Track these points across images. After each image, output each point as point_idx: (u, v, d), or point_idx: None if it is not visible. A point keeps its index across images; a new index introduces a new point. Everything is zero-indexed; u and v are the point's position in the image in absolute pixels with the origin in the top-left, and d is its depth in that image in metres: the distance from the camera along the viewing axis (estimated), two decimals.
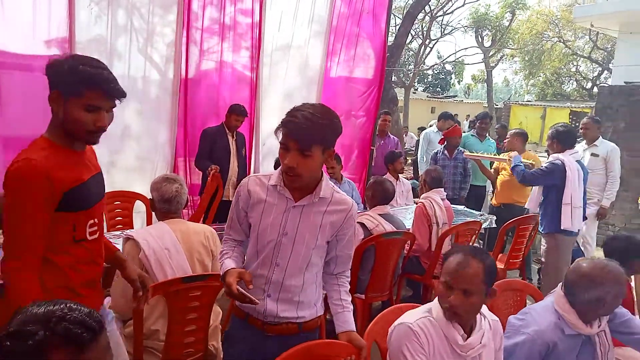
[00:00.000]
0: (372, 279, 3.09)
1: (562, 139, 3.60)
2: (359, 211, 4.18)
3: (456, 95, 30.22)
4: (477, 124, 5.58)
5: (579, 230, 3.73)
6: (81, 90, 1.41)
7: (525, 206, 4.10)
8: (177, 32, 4.23)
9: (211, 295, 2.09)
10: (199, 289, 2.04)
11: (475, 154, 4.93)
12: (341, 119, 5.50)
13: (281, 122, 1.50)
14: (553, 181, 3.51)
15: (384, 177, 4.53)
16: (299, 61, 5.30)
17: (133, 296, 1.73)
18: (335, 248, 1.69)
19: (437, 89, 30.93)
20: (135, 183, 4.02)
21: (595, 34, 19.29)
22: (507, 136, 4.57)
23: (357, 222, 3.12)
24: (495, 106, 23.69)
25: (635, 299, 2.52)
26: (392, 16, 21.07)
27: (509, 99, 28.59)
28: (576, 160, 3.57)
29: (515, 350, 1.79)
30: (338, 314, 1.73)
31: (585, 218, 3.80)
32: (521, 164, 3.76)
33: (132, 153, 4.14)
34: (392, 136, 6.12)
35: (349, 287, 1.77)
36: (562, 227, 3.47)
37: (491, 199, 5.21)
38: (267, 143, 5.23)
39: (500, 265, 3.89)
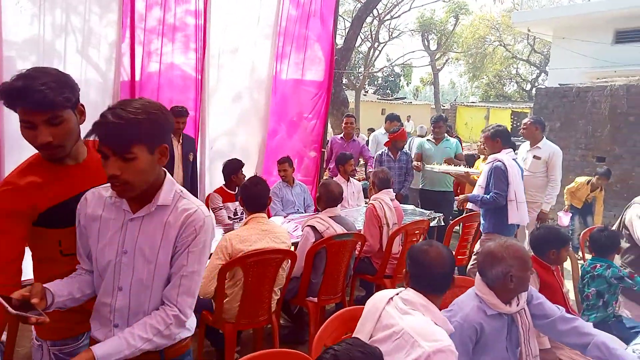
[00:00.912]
0: (325, 281, 3.09)
1: (504, 138, 3.69)
2: (312, 214, 4.19)
3: (405, 97, 30.94)
4: (432, 128, 5.49)
5: (518, 226, 3.85)
6: (15, 108, 1.39)
7: (467, 206, 4.14)
8: (117, 33, 4.07)
9: None
10: None
11: (444, 169, 4.88)
12: (293, 121, 5.44)
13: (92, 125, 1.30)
14: (506, 183, 3.54)
15: (332, 179, 4.56)
16: (247, 63, 5.24)
17: None
18: (171, 262, 1.40)
19: (387, 91, 31.54)
20: None
21: (533, 38, 20.37)
22: (480, 138, 4.60)
23: (308, 225, 3.13)
24: (442, 107, 24.50)
25: (562, 286, 2.65)
26: (341, 20, 20.96)
27: (455, 100, 29.65)
28: (512, 158, 3.66)
29: None
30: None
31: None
32: (478, 195, 3.69)
33: None
34: (357, 139, 6.03)
35: (162, 324, 1.37)
36: (509, 222, 3.54)
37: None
38: (215, 146, 5.13)
39: None
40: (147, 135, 1.28)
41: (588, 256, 3.11)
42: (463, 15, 23.92)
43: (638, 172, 6.20)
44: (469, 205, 4.01)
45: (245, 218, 2.79)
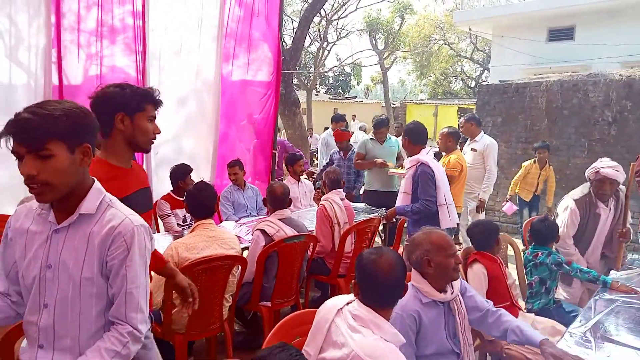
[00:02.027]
0: (277, 285, 3.06)
1: (414, 137, 3.46)
2: (264, 217, 4.15)
3: (356, 96, 31.33)
4: (373, 131, 5.29)
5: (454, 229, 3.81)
6: (144, 105, 1.70)
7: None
8: (47, 35, 3.86)
9: None
10: None
11: (396, 171, 4.82)
12: (243, 123, 5.35)
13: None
14: (434, 187, 3.34)
15: (278, 180, 4.53)
16: (192, 66, 5.12)
17: (182, 303, 1.90)
18: (110, 282, 1.35)
19: (339, 91, 31.83)
20: (6, 203, 3.60)
21: (475, 37, 21.15)
22: (440, 137, 4.51)
23: (258, 229, 3.09)
24: (392, 105, 24.99)
25: (507, 278, 2.76)
26: (290, 20, 20.96)
27: (404, 98, 30.32)
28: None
29: None
30: None
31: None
32: (406, 206, 3.43)
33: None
34: (279, 139, 5.98)
35: (119, 344, 1.32)
36: (442, 227, 3.23)
37: None
38: (161, 151, 4.97)
39: None
40: (64, 131, 1.22)
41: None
42: (408, 14, 24.48)
43: (574, 163, 6.56)
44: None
45: (193, 225, 2.71)
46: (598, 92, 6.36)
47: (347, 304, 1.70)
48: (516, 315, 2.66)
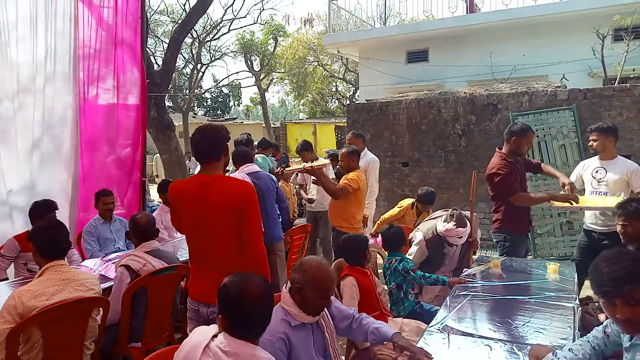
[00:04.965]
0: (148, 323, 2.86)
1: (234, 157, 3.72)
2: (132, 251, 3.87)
3: (237, 117, 31.16)
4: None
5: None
6: None
7: None
8: None
9: None
10: None
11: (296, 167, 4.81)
12: (109, 149, 4.94)
13: None
14: None
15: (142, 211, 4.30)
16: (47, 97, 4.65)
17: None
18: None
19: (218, 112, 31.38)
20: None
21: (346, 58, 22.42)
22: (341, 157, 4.20)
23: (122, 265, 2.87)
24: (273, 125, 25.32)
25: (376, 285, 2.93)
26: (159, 42, 19.95)
27: (284, 118, 30.92)
28: (252, 173, 3.57)
29: None
30: None
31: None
32: None
33: None
34: None
35: None
36: None
37: None
38: (12, 199, 4.35)
39: None
40: None
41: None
42: (281, 37, 25.15)
43: (434, 173, 7.25)
44: None
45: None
46: (448, 108, 7.13)
47: (213, 338, 1.60)
48: (386, 322, 2.82)
